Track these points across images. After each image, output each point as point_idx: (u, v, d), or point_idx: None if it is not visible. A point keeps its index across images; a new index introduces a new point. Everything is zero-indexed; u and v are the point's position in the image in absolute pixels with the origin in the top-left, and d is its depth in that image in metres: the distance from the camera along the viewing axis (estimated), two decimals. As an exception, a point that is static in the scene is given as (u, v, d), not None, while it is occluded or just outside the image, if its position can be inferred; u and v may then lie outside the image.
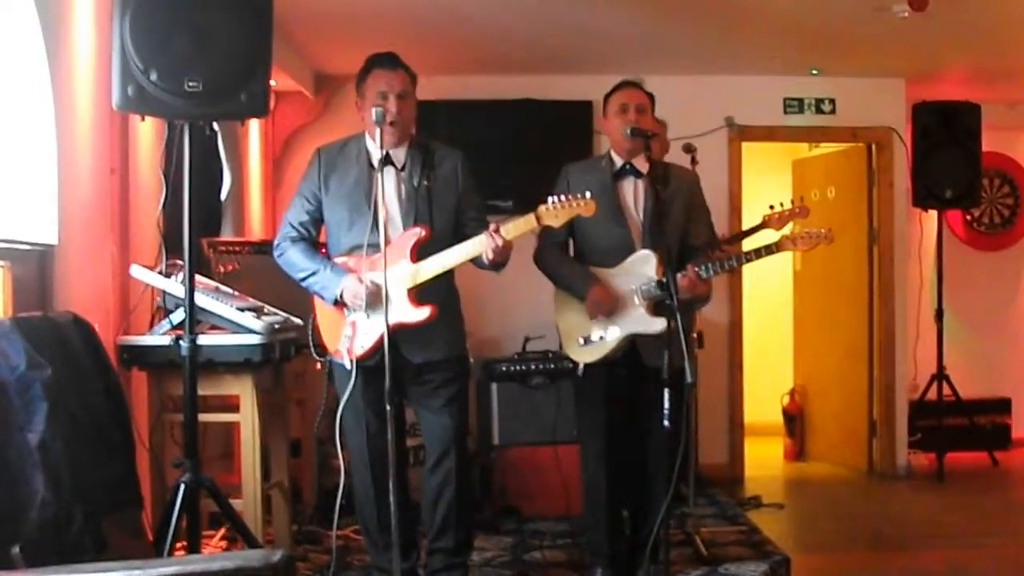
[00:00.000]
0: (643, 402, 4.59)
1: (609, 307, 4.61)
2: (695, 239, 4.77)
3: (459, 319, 4.57)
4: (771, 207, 5.51)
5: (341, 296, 4.29)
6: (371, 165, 4.36)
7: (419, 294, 4.25)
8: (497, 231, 4.18)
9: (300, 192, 4.50)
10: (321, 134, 7.35)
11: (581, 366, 4.73)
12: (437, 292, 4.31)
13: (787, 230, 5.12)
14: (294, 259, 4.42)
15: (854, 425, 8.41)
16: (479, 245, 4.22)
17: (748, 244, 5.42)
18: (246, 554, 3.09)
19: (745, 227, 6.32)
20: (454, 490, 4.45)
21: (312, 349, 4.50)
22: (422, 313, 4.23)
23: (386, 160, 4.32)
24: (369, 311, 4.23)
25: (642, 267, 4.61)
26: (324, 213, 4.46)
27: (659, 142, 5.90)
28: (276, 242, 4.51)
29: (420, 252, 4.26)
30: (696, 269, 4.50)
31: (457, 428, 4.48)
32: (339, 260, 4.38)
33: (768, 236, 5.17)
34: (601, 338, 4.64)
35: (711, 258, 4.64)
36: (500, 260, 4.25)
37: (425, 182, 4.38)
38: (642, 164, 4.70)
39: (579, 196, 4.22)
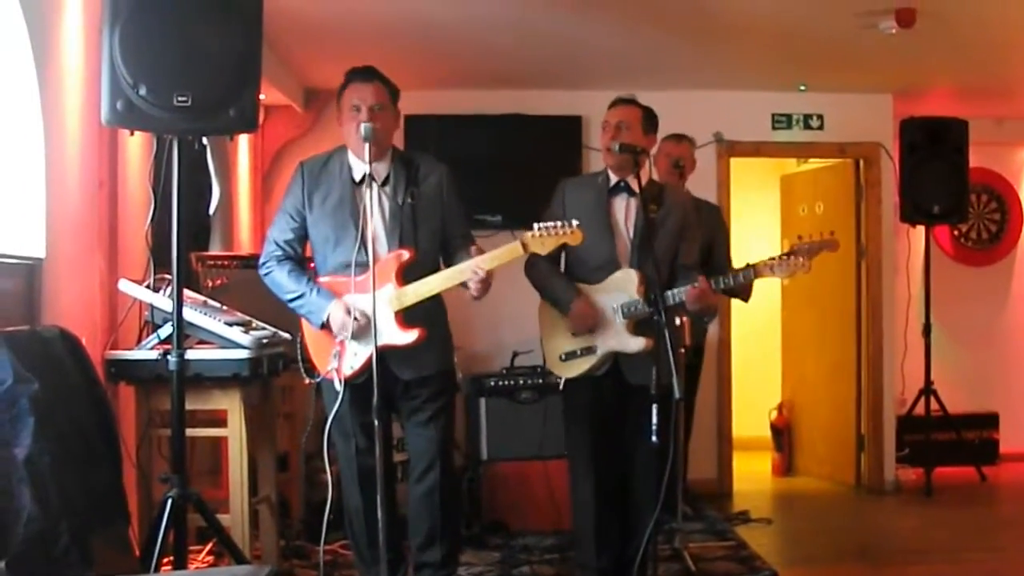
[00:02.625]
0: (628, 419, 4.60)
1: (592, 322, 4.62)
2: (686, 258, 4.77)
3: (447, 334, 4.57)
4: (800, 237, 5.50)
5: (327, 321, 4.28)
6: (353, 181, 4.35)
7: (407, 314, 4.25)
8: (482, 269, 4.20)
9: (284, 209, 4.48)
10: (310, 148, 7.33)
11: (562, 381, 4.74)
12: (425, 309, 4.30)
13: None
14: (280, 281, 4.40)
15: (842, 440, 8.41)
16: (463, 274, 4.23)
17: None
18: (234, 570, 3.09)
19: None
20: (439, 503, 4.43)
21: (301, 367, 4.48)
22: (410, 336, 4.23)
23: (370, 178, 4.29)
24: (356, 338, 4.23)
25: (624, 285, 4.62)
26: (309, 230, 4.43)
27: (687, 160, 6.04)
28: (262, 260, 4.48)
29: (406, 273, 4.26)
30: (709, 280, 4.52)
31: (442, 441, 4.47)
32: (324, 280, 4.36)
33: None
34: (582, 353, 4.64)
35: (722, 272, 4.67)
36: (482, 293, 4.27)
37: (409, 200, 4.36)
38: (635, 182, 4.70)
39: (567, 224, 4.23)
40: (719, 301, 4.83)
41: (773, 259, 4.57)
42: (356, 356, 4.25)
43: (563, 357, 4.70)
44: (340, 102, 4.40)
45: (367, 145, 4.12)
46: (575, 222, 4.25)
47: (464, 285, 4.31)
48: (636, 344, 4.53)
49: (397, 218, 4.34)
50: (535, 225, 4.25)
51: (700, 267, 4.85)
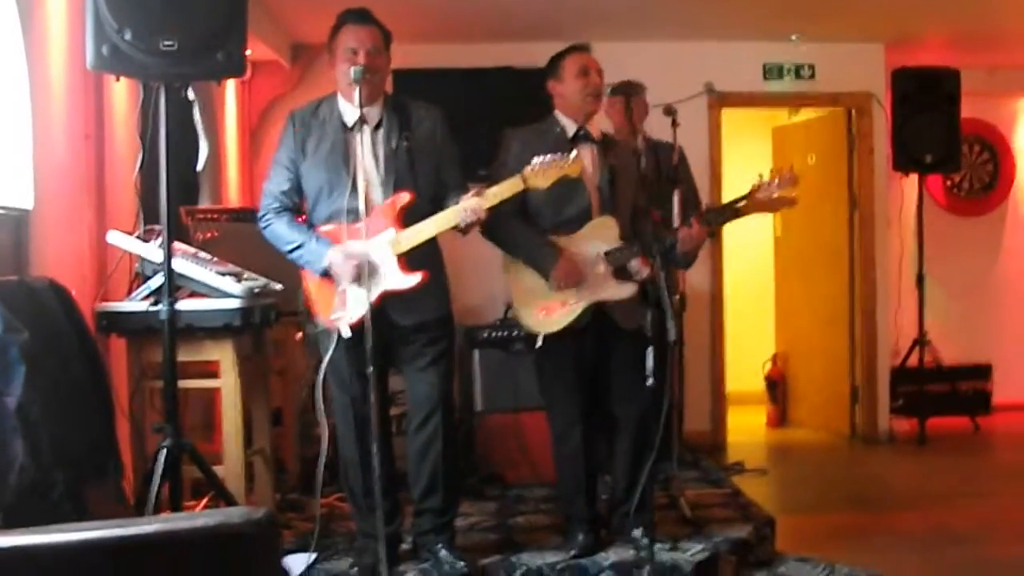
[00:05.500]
0: (613, 361, 4.55)
1: (577, 280, 4.55)
2: (641, 201, 4.73)
3: (444, 280, 4.52)
4: (760, 175, 5.48)
5: (328, 268, 4.24)
6: (345, 126, 4.30)
7: (408, 258, 4.21)
8: (480, 193, 4.17)
9: (278, 160, 4.41)
10: (298, 103, 7.21)
11: (540, 338, 4.64)
12: (424, 255, 4.26)
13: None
14: (280, 231, 4.34)
15: (836, 391, 8.44)
16: (461, 213, 4.17)
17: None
18: (229, 511, 3.07)
19: (731, 197, 6.27)
20: (440, 449, 4.41)
21: (304, 317, 4.45)
22: (413, 279, 4.19)
23: (360, 119, 4.23)
24: (359, 284, 4.18)
25: (603, 233, 4.56)
26: (302, 179, 4.37)
27: (639, 105, 5.89)
28: (260, 214, 4.42)
29: (405, 216, 4.21)
30: (702, 216, 4.52)
31: (443, 387, 4.43)
32: (324, 229, 4.30)
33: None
34: (564, 305, 4.56)
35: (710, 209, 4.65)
36: (471, 226, 4.25)
37: (404, 143, 4.31)
38: (594, 129, 4.66)
39: (565, 155, 4.20)
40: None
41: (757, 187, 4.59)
42: (358, 304, 4.20)
43: (541, 312, 4.61)
44: (333, 45, 4.32)
45: (357, 88, 4.06)
46: (573, 152, 4.23)
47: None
48: (628, 290, 4.49)
49: (392, 163, 4.28)
50: (534, 159, 4.22)
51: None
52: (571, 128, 4.68)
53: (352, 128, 4.24)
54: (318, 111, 4.39)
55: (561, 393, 4.73)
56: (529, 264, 4.63)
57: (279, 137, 4.45)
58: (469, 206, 4.15)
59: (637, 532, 4.60)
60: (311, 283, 4.38)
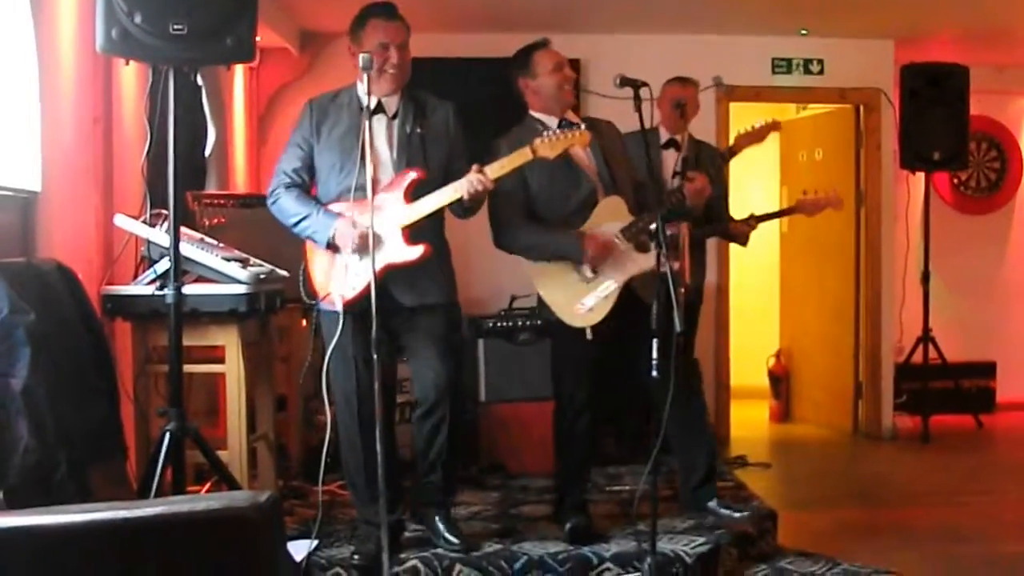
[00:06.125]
0: (641, 335, 4.41)
1: (610, 251, 4.57)
2: (638, 175, 4.82)
3: (450, 268, 4.54)
4: (804, 192, 5.53)
5: (333, 238, 4.26)
6: (363, 112, 4.30)
7: (413, 234, 4.24)
8: (481, 170, 4.21)
9: (292, 141, 4.47)
10: (306, 91, 7.20)
11: (588, 331, 4.63)
12: (431, 242, 4.28)
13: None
14: (286, 205, 4.38)
15: (840, 387, 8.43)
16: (470, 184, 4.21)
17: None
18: (233, 495, 3.07)
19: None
20: (446, 437, 4.46)
21: (304, 295, 4.46)
22: (415, 251, 4.22)
23: (378, 108, 4.32)
24: (361, 253, 4.19)
25: (614, 212, 4.59)
26: (315, 159, 4.42)
27: (690, 102, 6.08)
28: (270, 190, 4.46)
29: (414, 193, 4.27)
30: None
31: (449, 374, 4.45)
32: (332, 206, 4.33)
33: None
34: (603, 293, 4.60)
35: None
36: (476, 200, 4.28)
37: (418, 129, 4.38)
38: (573, 118, 4.68)
39: (575, 127, 4.27)
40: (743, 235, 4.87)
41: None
42: (358, 276, 4.21)
43: (584, 308, 4.61)
44: (359, 37, 4.35)
45: (367, 75, 4.06)
46: (583, 124, 4.31)
47: (454, 211, 4.38)
48: (649, 259, 4.45)
49: (405, 147, 4.36)
50: (544, 132, 4.29)
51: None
52: (552, 123, 4.69)
53: (365, 113, 4.24)
54: (337, 98, 4.46)
55: (572, 377, 4.75)
56: (555, 257, 4.66)
57: (296, 121, 4.49)
58: (475, 176, 4.20)
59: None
60: (314, 260, 4.41)
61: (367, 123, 4.14)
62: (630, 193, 4.70)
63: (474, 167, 4.24)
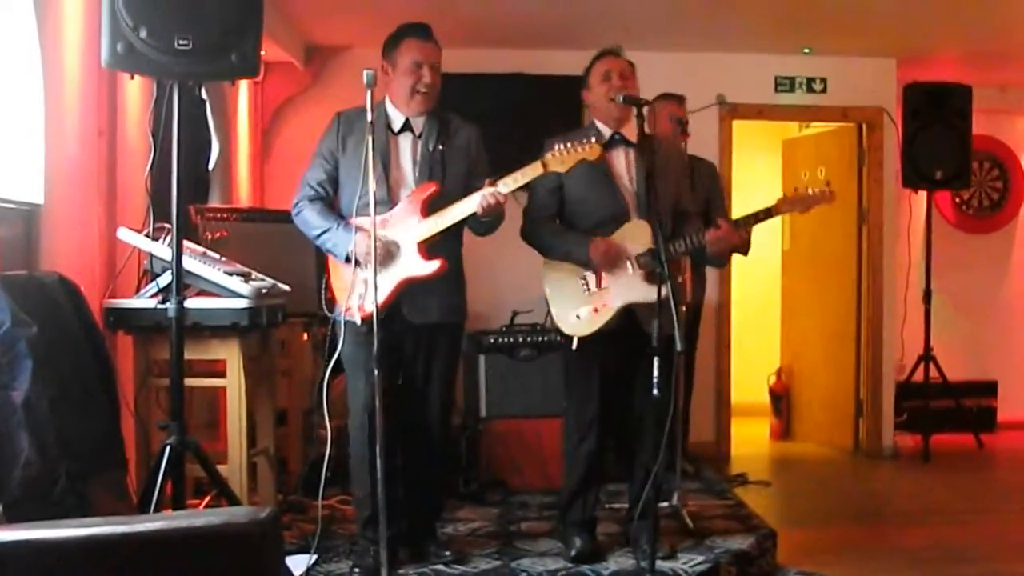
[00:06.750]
0: (640, 370, 4.51)
1: (616, 255, 4.57)
2: (688, 206, 4.77)
3: (463, 287, 4.62)
4: (795, 188, 5.53)
5: (353, 252, 4.29)
6: (391, 130, 4.44)
7: (430, 250, 4.30)
8: (493, 183, 4.24)
9: (319, 152, 4.52)
10: (311, 105, 7.33)
11: (575, 340, 4.67)
12: (447, 256, 4.34)
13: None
14: (309, 218, 4.45)
15: (841, 405, 8.42)
16: (477, 198, 4.25)
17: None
18: (233, 511, 3.07)
19: (740, 208, 6.30)
20: (436, 461, 4.57)
21: (324, 307, 4.51)
22: (432, 266, 4.28)
23: (405, 126, 4.43)
24: (380, 268, 4.21)
25: (636, 235, 4.57)
26: (340, 172, 4.48)
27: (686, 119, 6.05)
28: (295, 202, 4.53)
29: (430, 208, 4.32)
30: (729, 222, 4.56)
31: (443, 399, 4.55)
32: (353, 221, 4.37)
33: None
34: (599, 308, 4.61)
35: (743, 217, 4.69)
36: (491, 215, 4.29)
37: (440, 147, 4.44)
38: (631, 133, 4.67)
39: (583, 141, 4.29)
40: (740, 242, 4.83)
41: (790, 195, 4.69)
42: (378, 291, 4.23)
43: (579, 316, 4.65)
44: (393, 56, 4.45)
45: (369, 91, 4.08)
46: (593, 137, 4.32)
47: (472, 227, 4.46)
48: (654, 293, 4.44)
49: (427, 163, 4.42)
50: (555, 145, 4.32)
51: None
52: (606, 133, 4.72)
53: (398, 133, 4.40)
54: (364, 114, 4.44)
55: (581, 395, 4.76)
56: (565, 257, 4.68)
57: (323, 133, 4.55)
58: (487, 190, 4.24)
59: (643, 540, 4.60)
60: (335, 273, 4.47)
61: (370, 139, 4.09)
62: (668, 219, 4.62)
63: (487, 181, 4.27)
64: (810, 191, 4.69)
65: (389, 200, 4.34)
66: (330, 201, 4.51)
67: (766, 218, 4.69)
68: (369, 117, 4.21)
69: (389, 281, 4.27)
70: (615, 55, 4.79)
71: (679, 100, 6.42)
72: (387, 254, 4.27)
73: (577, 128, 4.85)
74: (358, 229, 4.31)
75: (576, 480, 4.78)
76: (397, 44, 4.44)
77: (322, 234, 4.40)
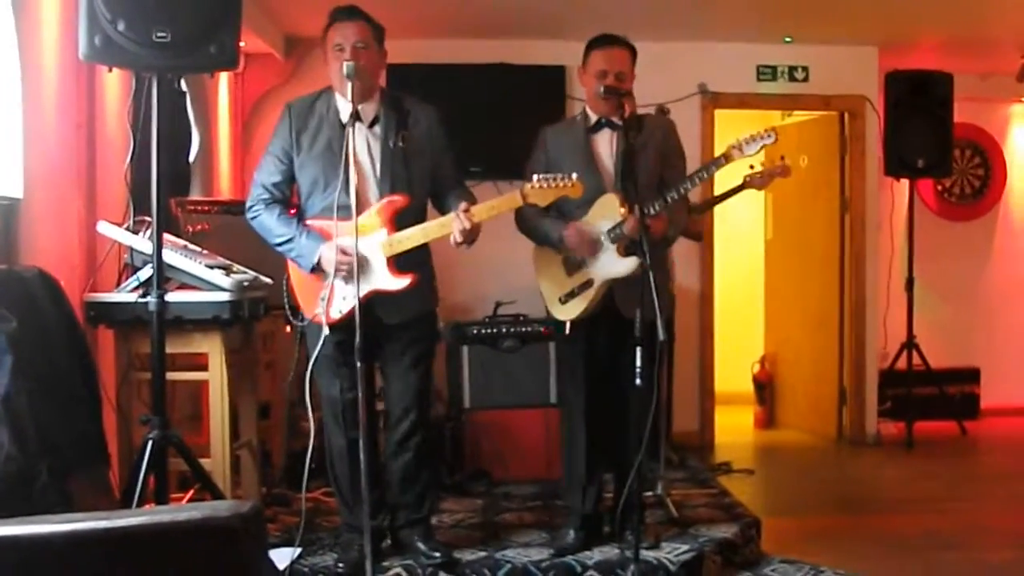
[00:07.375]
0: (622, 360, 4.49)
1: (587, 239, 4.55)
2: (672, 183, 4.73)
3: (432, 277, 4.55)
4: (751, 167, 5.54)
5: (319, 264, 4.23)
6: (341, 123, 4.27)
7: (397, 259, 4.23)
8: (467, 211, 4.16)
9: (271, 151, 4.41)
10: (291, 96, 7.22)
11: (567, 325, 4.68)
12: (413, 251, 4.28)
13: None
14: (269, 224, 4.34)
15: (824, 393, 8.44)
16: (450, 224, 4.18)
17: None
18: (215, 504, 3.05)
19: (725, 189, 6.26)
20: (416, 446, 4.49)
21: (287, 311, 4.45)
22: (402, 282, 4.22)
23: (355, 117, 4.20)
24: (348, 279, 4.17)
25: (607, 210, 4.54)
26: (296, 173, 4.37)
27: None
28: (249, 204, 4.42)
29: (398, 218, 4.23)
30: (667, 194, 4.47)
31: (420, 387, 4.50)
32: (314, 224, 4.30)
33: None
34: (579, 290, 4.60)
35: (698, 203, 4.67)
36: (467, 241, 4.20)
37: (400, 143, 4.31)
38: (618, 119, 4.65)
39: (567, 176, 4.17)
40: (682, 219, 4.79)
41: (738, 141, 4.65)
42: (345, 300, 4.21)
43: (563, 299, 4.66)
44: (324, 43, 4.33)
45: (350, 83, 4.05)
46: (575, 175, 4.18)
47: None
48: (627, 264, 4.44)
49: (388, 161, 4.30)
50: (535, 176, 4.20)
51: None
52: (592, 118, 4.72)
53: (348, 123, 4.18)
54: (315, 105, 4.39)
55: (572, 386, 4.80)
56: (544, 241, 4.70)
57: (274, 127, 4.44)
58: (462, 215, 4.15)
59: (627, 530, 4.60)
60: (296, 277, 4.39)
61: (351, 133, 4.09)
62: (647, 189, 4.52)
63: (461, 206, 4.18)
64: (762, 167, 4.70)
65: (348, 199, 4.13)
66: (286, 202, 4.42)
67: (720, 201, 4.71)
68: (348, 111, 4.18)
69: (355, 292, 4.10)
70: (616, 46, 4.67)
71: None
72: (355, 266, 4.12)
73: (563, 118, 4.81)
74: (322, 236, 4.23)
75: (568, 469, 4.79)
76: (326, 31, 4.32)
77: (285, 242, 4.30)
